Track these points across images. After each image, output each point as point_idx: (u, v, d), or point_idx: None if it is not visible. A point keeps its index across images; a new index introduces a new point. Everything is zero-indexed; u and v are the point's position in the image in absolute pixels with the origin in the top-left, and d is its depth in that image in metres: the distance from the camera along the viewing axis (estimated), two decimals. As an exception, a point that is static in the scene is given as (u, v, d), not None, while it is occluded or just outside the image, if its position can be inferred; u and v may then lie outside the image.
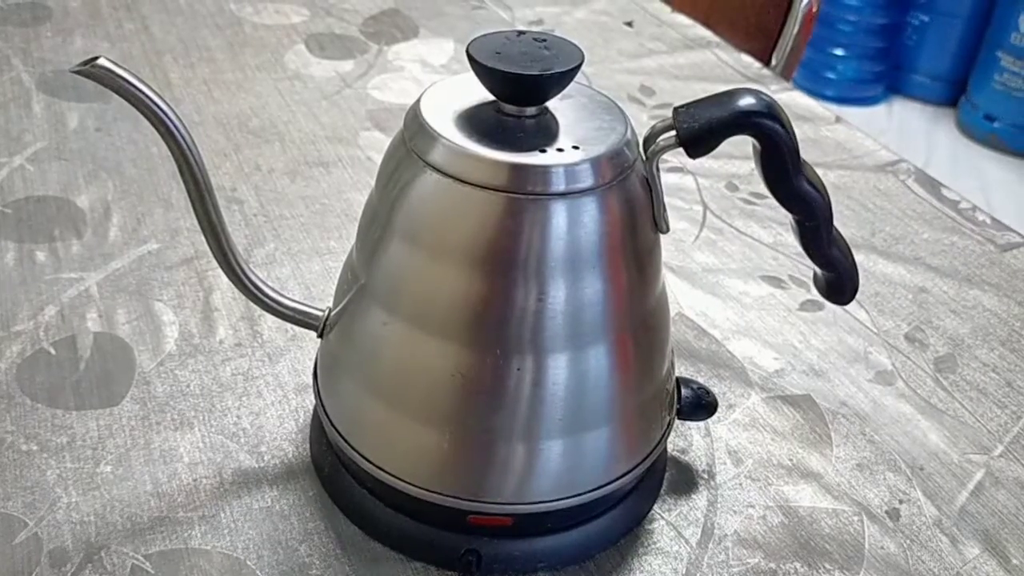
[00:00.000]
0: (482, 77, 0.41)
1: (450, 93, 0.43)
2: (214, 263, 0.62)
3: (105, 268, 0.61)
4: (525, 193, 0.39)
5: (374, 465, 0.44)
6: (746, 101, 0.41)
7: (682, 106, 0.42)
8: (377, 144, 0.77)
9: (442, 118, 0.41)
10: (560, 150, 0.40)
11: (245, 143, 0.76)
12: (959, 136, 2.66)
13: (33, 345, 0.55)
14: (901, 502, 0.51)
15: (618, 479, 0.45)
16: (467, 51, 0.40)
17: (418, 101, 0.42)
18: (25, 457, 0.48)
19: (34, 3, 0.94)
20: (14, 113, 0.76)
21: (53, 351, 0.55)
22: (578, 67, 0.40)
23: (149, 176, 0.70)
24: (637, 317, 0.44)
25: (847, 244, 0.47)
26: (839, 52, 2.71)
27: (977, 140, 2.62)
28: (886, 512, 0.51)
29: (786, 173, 0.42)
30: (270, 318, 0.59)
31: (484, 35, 0.41)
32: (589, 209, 0.40)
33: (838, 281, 0.47)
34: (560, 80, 0.41)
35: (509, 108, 0.42)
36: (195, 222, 0.65)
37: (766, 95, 0.41)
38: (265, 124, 0.79)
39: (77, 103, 0.78)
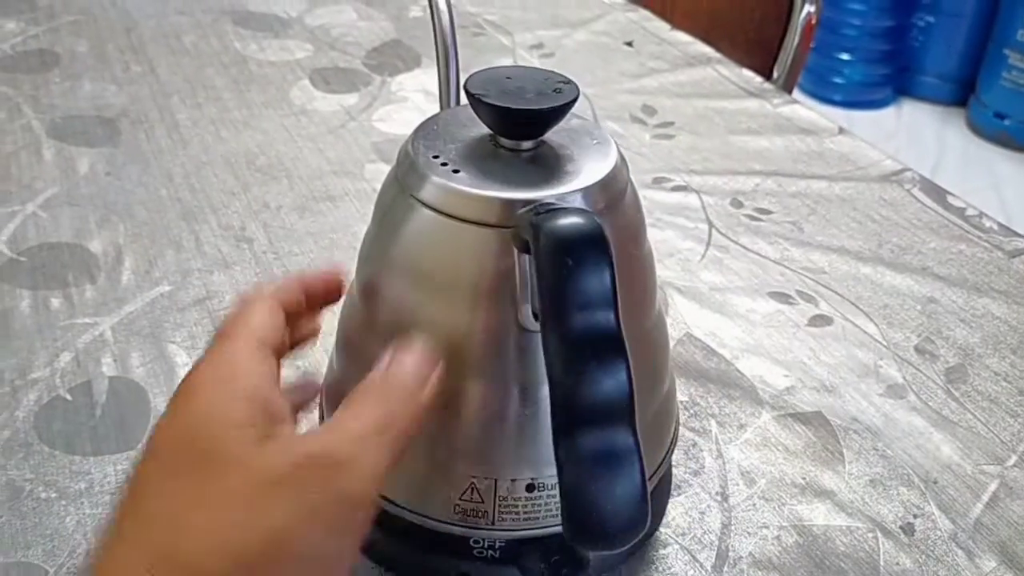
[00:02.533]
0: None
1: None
2: (226, 303, 0.63)
3: (119, 312, 0.62)
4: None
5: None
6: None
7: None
8: (382, 176, 0.77)
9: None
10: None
11: (253, 181, 0.77)
12: (970, 135, 2.65)
13: (50, 392, 0.56)
14: (915, 517, 0.51)
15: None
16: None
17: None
18: (44, 505, 0.49)
19: (42, 50, 0.95)
20: (25, 160, 0.78)
21: (69, 397, 0.56)
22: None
23: (159, 218, 0.71)
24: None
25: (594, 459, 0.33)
26: (845, 56, 2.71)
27: (988, 138, 2.61)
28: (901, 527, 0.51)
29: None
30: (282, 355, 0.59)
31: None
32: None
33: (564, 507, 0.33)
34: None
35: (506, 142, 0.42)
36: (206, 263, 0.66)
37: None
38: (272, 161, 0.80)
39: (87, 148, 0.80)
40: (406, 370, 0.36)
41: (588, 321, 0.33)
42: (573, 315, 0.33)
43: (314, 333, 0.43)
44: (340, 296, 0.43)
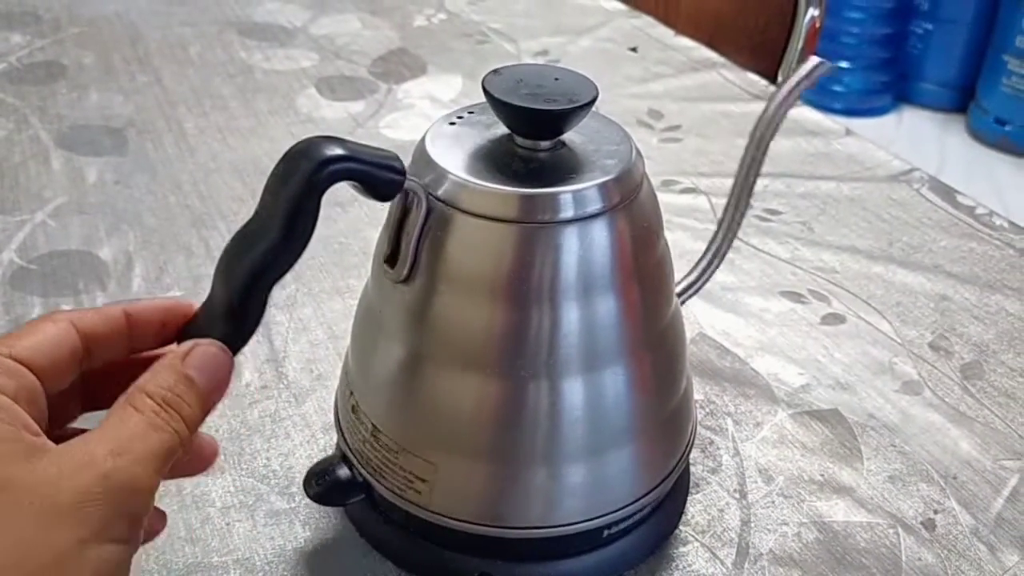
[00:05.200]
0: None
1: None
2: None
3: (130, 318, 0.62)
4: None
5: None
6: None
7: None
8: (391, 181, 0.78)
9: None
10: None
11: (262, 188, 0.77)
12: (971, 141, 2.65)
13: (63, 398, 0.55)
14: (936, 512, 0.51)
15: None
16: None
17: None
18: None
19: (48, 61, 0.95)
20: (33, 170, 0.78)
21: (83, 403, 0.55)
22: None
23: (169, 225, 0.71)
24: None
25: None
26: (844, 65, 2.71)
27: (989, 144, 2.61)
28: (921, 523, 0.50)
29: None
30: (295, 360, 0.59)
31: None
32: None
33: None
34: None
35: (524, 141, 0.42)
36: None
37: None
38: (280, 168, 0.80)
39: (95, 157, 0.80)
40: (187, 399, 0.34)
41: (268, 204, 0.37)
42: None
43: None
44: (173, 335, 0.37)
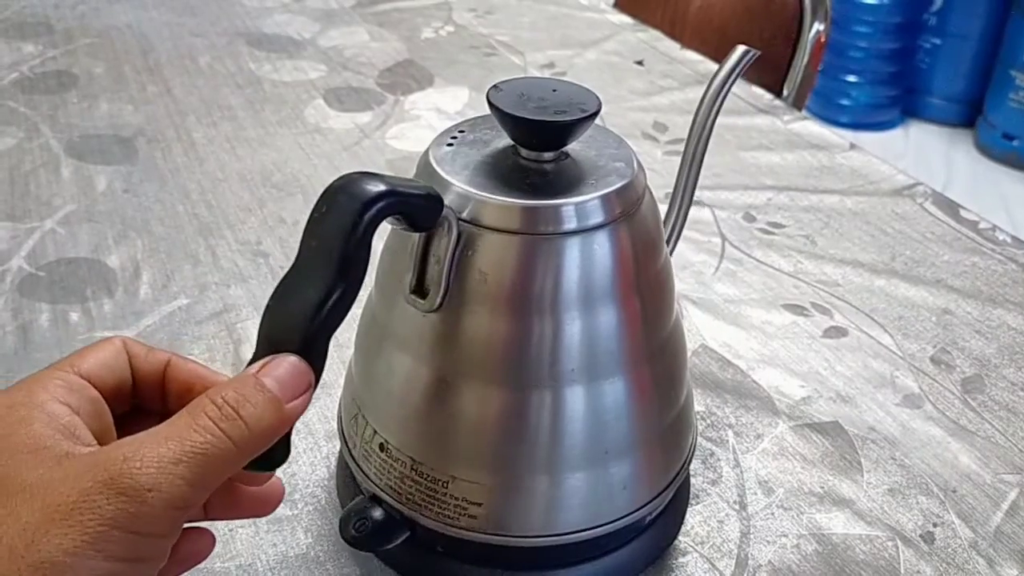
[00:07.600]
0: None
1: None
2: (242, 316, 0.63)
3: (137, 325, 0.63)
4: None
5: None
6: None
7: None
8: (397, 192, 0.79)
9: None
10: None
11: (269, 197, 0.77)
12: (978, 156, 2.65)
13: (69, 404, 0.56)
14: (935, 525, 0.51)
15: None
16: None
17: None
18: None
19: (60, 71, 0.96)
20: (44, 178, 0.78)
21: (89, 409, 0.56)
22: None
23: (177, 234, 0.72)
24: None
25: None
26: (852, 79, 2.72)
27: (996, 159, 2.61)
28: (920, 536, 0.51)
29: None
30: (299, 367, 0.60)
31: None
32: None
33: None
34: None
35: (528, 153, 0.43)
36: (222, 276, 0.67)
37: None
38: (288, 178, 0.81)
39: (104, 166, 0.80)
40: (251, 400, 0.31)
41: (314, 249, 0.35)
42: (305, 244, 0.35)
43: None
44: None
